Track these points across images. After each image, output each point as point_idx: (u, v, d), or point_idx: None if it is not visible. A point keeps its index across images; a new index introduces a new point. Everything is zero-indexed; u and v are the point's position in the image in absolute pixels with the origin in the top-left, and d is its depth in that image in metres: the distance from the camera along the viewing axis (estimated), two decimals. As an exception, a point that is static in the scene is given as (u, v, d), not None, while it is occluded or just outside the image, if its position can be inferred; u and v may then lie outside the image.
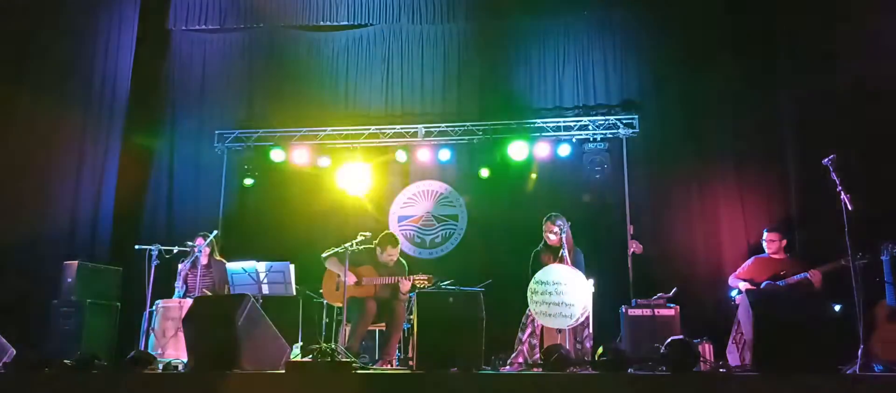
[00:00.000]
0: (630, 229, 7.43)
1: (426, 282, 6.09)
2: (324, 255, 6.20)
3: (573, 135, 8.00)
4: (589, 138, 7.93)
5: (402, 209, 8.48)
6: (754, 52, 7.71)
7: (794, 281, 5.98)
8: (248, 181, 8.40)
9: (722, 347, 5.03)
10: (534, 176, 8.09)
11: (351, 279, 6.00)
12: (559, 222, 6.10)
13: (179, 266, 6.73)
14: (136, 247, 6.35)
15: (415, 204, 8.47)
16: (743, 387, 3.72)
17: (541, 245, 6.30)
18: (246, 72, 8.88)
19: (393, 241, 6.27)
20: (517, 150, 7.93)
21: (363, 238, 6.13)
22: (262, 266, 6.33)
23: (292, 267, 6.36)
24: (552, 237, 6.17)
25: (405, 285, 6.02)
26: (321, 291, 6.45)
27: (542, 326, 5.88)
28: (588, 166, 7.84)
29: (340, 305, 6.19)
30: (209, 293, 6.59)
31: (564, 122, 8.05)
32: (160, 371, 4.77)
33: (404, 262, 6.41)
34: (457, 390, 3.90)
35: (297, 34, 8.88)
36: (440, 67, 8.61)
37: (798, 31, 7.40)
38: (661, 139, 7.90)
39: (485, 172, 8.15)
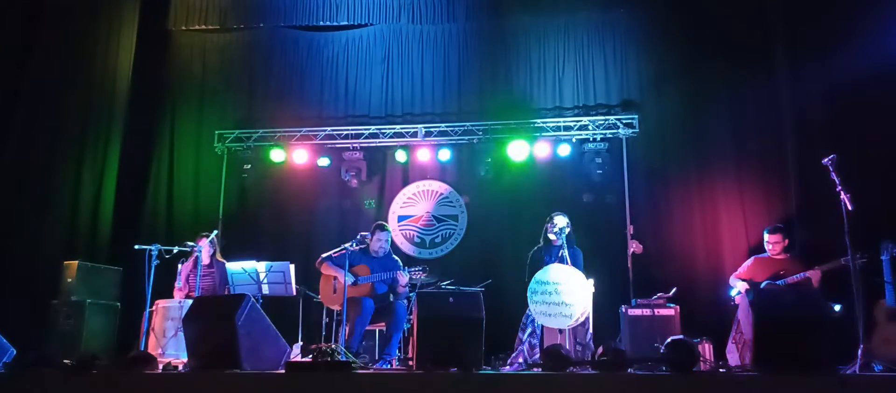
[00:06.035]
0: (630, 229, 7.44)
1: (422, 273, 6.12)
2: (318, 261, 6.24)
3: (573, 135, 8.00)
4: (589, 138, 7.93)
5: (402, 209, 8.47)
6: (754, 52, 7.70)
7: (794, 281, 5.98)
8: (244, 175, 8.39)
9: (722, 347, 5.04)
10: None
11: (348, 280, 6.00)
12: (561, 220, 6.12)
13: (180, 266, 6.73)
14: (136, 247, 6.34)
15: (415, 204, 8.47)
16: (743, 387, 3.72)
17: (539, 244, 6.32)
18: (246, 72, 8.89)
19: (381, 226, 6.36)
20: (517, 150, 7.93)
21: (362, 237, 6.15)
22: (262, 266, 6.33)
23: (292, 267, 6.36)
24: (552, 236, 6.18)
25: (403, 279, 6.05)
26: (319, 297, 6.45)
27: (543, 326, 5.89)
28: (588, 166, 7.84)
29: (338, 307, 6.21)
30: (209, 294, 6.59)
31: (564, 122, 8.05)
32: (160, 371, 4.76)
33: (397, 258, 6.44)
34: (457, 390, 3.90)
35: (297, 34, 8.88)
36: (440, 67, 8.61)
37: (798, 30, 7.40)
38: (661, 139, 7.90)
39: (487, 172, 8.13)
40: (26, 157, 7.86)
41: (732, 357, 4.53)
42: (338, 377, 4.01)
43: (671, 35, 8.09)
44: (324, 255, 6.22)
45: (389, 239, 6.39)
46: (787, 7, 7.46)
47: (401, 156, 8.29)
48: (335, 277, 6.15)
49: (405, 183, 8.53)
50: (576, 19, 8.45)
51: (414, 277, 6.13)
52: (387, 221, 8.20)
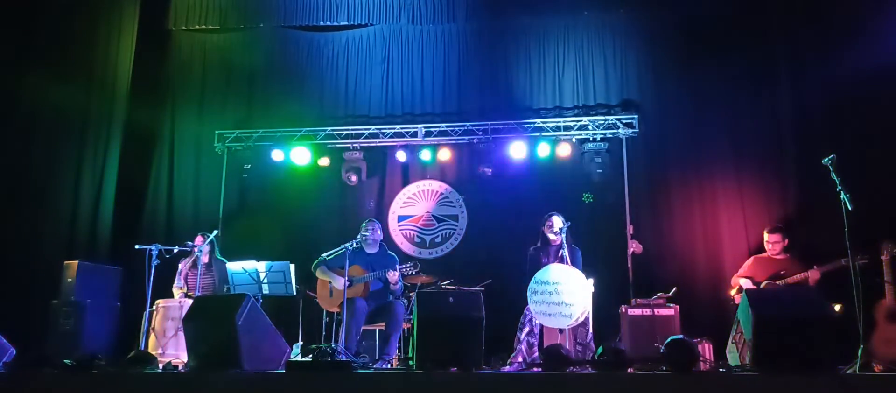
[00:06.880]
0: (630, 229, 7.44)
1: (412, 269, 6.14)
2: (313, 265, 6.27)
3: (573, 135, 7.99)
4: (589, 138, 7.93)
5: (402, 209, 8.47)
6: (754, 53, 7.70)
7: (794, 280, 5.99)
8: (244, 175, 8.39)
9: (722, 347, 5.03)
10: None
11: (343, 282, 6.00)
12: (559, 220, 6.13)
13: (180, 265, 6.74)
14: (136, 247, 6.35)
15: (415, 204, 8.47)
16: (743, 387, 3.72)
17: (538, 243, 6.32)
18: (246, 72, 8.88)
19: (370, 220, 6.50)
20: (517, 150, 7.93)
21: (362, 238, 6.17)
22: (262, 266, 6.33)
23: (292, 267, 6.37)
24: (552, 236, 6.18)
25: (392, 276, 6.06)
26: (316, 300, 6.46)
27: (542, 326, 5.89)
28: (588, 166, 7.83)
29: (337, 310, 6.22)
30: (209, 293, 6.59)
31: (564, 122, 8.05)
32: (160, 371, 4.77)
33: (393, 253, 6.46)
34: (457, 390, 3.90)
35: (297, 34, 8.87)
36: (440, 67, 8.60)
37: (798, 31, 7.40)
38: (661, 139, 7.89)
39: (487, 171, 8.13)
40: (26, 158, 7.86)
41: (732, 357, 4.53)
42: (338, 377, 4.01)
43: (671, 35, 8.07)
44: (317, 259, 6.26)
45: (378, 228, 6.47)
46: (787, 7, 7.46)
47: (401, 156, 8.29)
48: (330, 281, 6.19)
49: (405, 183, 8.53)
50: (576, 19, 8.44)
51: (403, 271, 6.14)
52: (387, 221, 8.23)
